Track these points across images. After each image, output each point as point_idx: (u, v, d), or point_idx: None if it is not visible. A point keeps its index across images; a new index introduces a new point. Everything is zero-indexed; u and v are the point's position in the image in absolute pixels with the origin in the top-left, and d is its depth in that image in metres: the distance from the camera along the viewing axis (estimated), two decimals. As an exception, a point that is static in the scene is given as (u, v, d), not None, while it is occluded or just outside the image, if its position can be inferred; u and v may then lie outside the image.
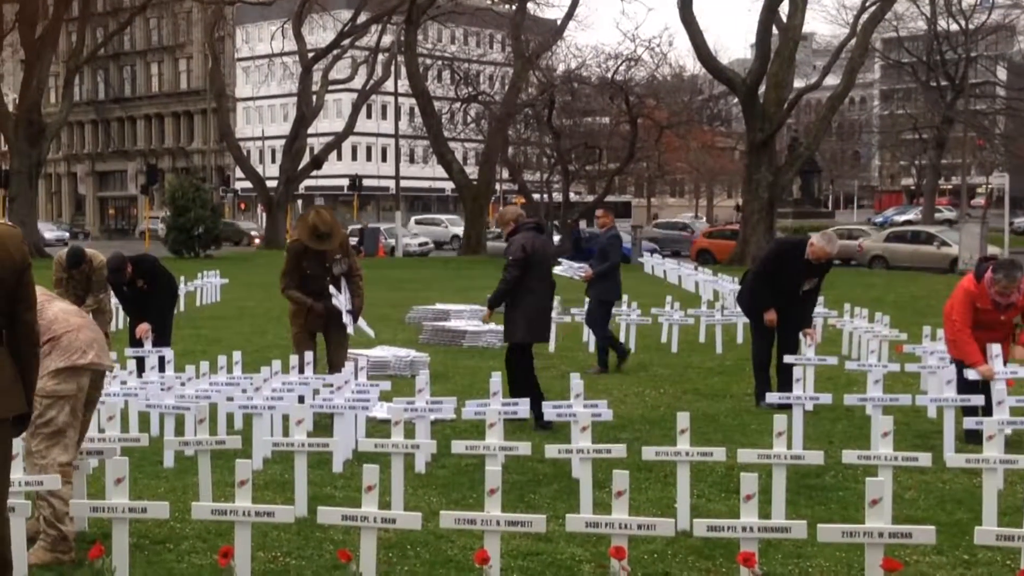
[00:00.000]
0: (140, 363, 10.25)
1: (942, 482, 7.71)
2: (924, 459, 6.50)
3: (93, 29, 53.78)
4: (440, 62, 52.15)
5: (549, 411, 7.95)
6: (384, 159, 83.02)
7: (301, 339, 10.13)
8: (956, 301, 8.97)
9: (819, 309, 15.87)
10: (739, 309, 14.15)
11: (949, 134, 59.37)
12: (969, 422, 7.94)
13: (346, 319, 9.98)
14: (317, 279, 9.93)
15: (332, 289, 9.96)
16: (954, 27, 58.07)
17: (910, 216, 64.16)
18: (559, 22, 47.28)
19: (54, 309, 6.07)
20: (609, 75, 39.58)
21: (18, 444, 5.72)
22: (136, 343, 11.27)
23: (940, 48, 58.28)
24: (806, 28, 42.67)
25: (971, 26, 57.40)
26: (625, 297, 16.40)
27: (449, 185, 60.73)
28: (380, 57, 52.26)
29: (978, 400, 8.37)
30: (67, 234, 63.59)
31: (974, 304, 8.89)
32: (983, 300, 8.88)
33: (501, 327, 10.67)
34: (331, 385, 8.92)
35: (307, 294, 9.95)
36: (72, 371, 5.97)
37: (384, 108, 78.92)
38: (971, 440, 8.56)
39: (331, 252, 9.92)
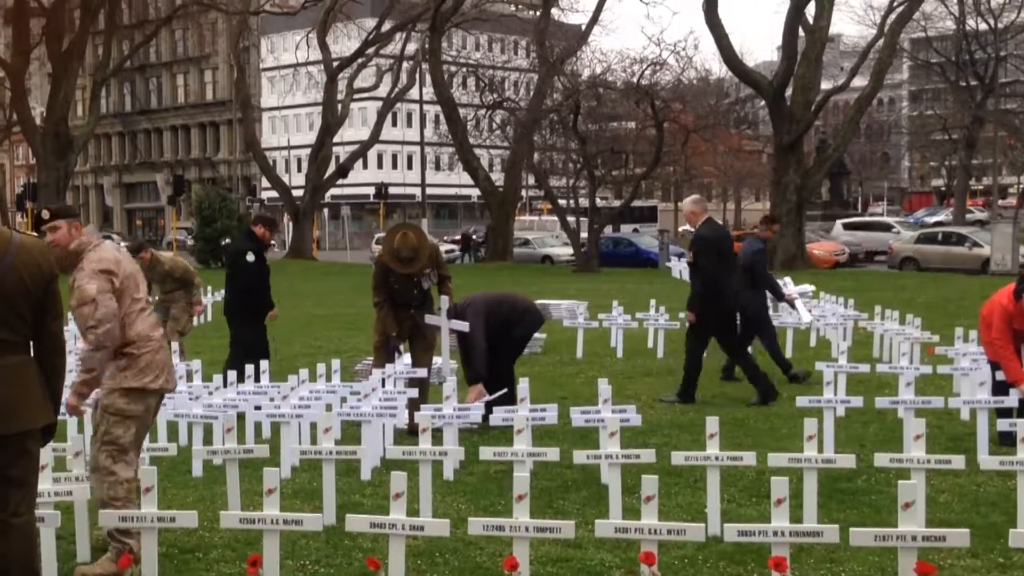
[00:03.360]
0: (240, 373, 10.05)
1: (976, 485, 7.63)
2: (957, 462, 6.44)
3: (119, 42, 54.08)
4: (465, 69, 52.09)
5: (577, 416, 7.91)
6: (410, 167, 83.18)
7: (382, 346, 9.99)
8: (995, 318, 8.82)
9: (849, 311, 15.79)
10: (771, 313, 14.12)
11: (979, 134, 58.89)
12: (1003, 424, 7.85)
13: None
14: (405, 293, 9.88)
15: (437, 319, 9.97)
16: (983, 26, 57.63)
17: (941, 217, 63.67)
18: (584, 27, 47.24)
19: (144, 324, 6.11)
20: (634, 80, 39.46)
21: (47, 454, 5.75)
22: (250, 346, 11.01)
23: (969, 47, 57.85)
24: (833, 29, 42.48)
25: (1000, 25, 56.95)
26: (653, 302, 16.38)
27: (475, 192, 60.75)
28: (405, 65, 52.34)
29: (1012, 402, 8.28)
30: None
31: (1011, 324, 8.76)
32: (1019, 320, 8.75)
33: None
34: (358, 393, 8.92)
35: (396, 306, 9.88)
36: (143, 392, 6.07)
37: (409, 116, 79.07)
38: (1005, 442, 8.47)
39: (418, 269, 9.78)
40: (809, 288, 13.50)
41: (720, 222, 12.91)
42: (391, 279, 9.81)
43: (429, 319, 10.01)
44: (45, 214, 6.09)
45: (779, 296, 12.53)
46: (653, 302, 16.34)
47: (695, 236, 11.21)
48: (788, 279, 13.67)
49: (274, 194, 60.08)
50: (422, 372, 9.73)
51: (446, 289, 10.17)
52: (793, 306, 12.47)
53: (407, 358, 10.16)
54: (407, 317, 9.95)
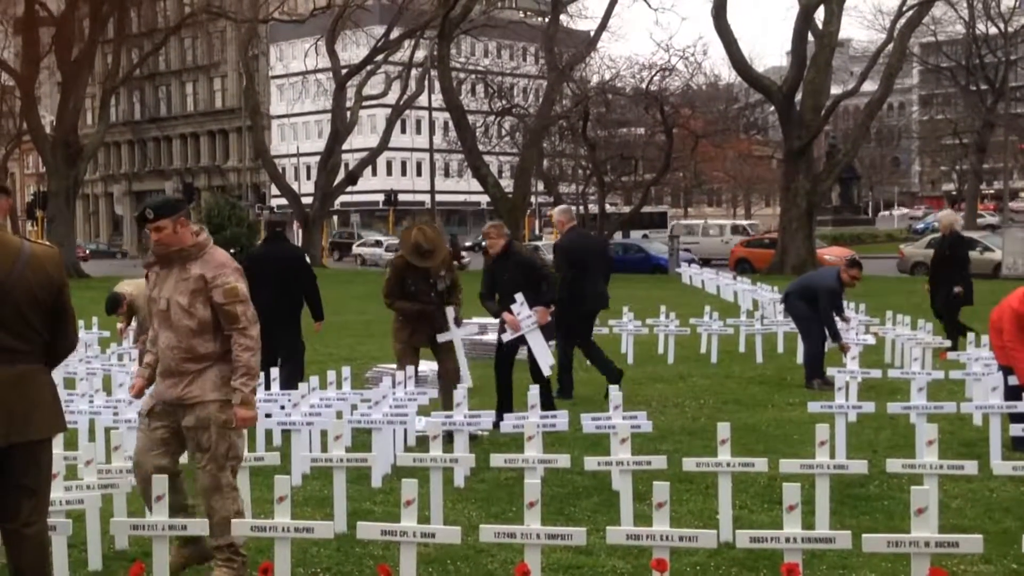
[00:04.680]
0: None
1: (989, 490, 7.60)
2: (970, 467, 6.41)
3: (128, 50, 54.25)
4: (474, 76, 52.25)
5: (588, 423, 7.90)
6: (419, 174, 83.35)
7: (404, 354, 9.98)
8: (1006, 322, 8.79)
9: (860, 316, 15.74)
10: (781, 317, 14.06)
11: (990, 138, 58.83)
12: (1015, 429, 7.83)
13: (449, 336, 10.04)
14: (421, 295, 9.83)
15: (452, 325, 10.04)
16: (993, 30, 57.60)
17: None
18: (592, 33, 47.21)
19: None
20: (644, 85, 39.53)
21: (59, 463, 5.75)
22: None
23: (979, 52, 57.83)
24: (842, 34, 42.41)
25: (1010, 29, 56.89)
26: (663, 308, 16.35)
27: (484, 199, 60.82)
28: (413, 72, 52.44)
29: (1025, 407, 8.24)
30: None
31: (1023, 326, 8.72)
32: None
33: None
34: (369, 400, 8.92)
35: (416, 317, 9.86)
36: None
37: (418, 123, 79.27)
38: (1018, 447, 8.45)
39: (435, 268, 9.79)
40: (872, 341, 13.45)
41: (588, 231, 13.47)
42: (408, 281, 9.80)
43: (441, 338, 9.94)
44: (149, 213, 5.72)
45: (834, 336, 12.36)
46: (663, 308, 16.31)
47: (555, 244, 11.99)
48: (853, 324, 13.52)
49: (283, 201, 60.21)
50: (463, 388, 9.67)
51: (455, 299, 10.15)
52: (844, 353, 12.12)
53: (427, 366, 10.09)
54: (425, 324, 9.91)
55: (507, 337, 10.13)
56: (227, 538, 5.74)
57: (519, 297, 9.99)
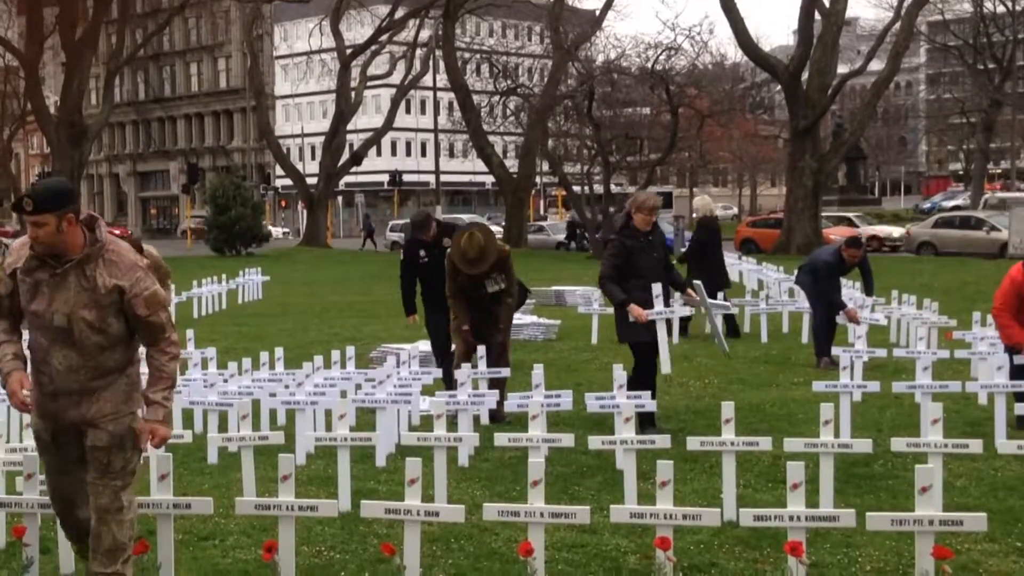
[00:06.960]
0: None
1: (993, 469, 7.59)
2: (975, 446, 6.41)
3: (132, 30, 54.14)
4: (478, 55, 51.94)
5: (592, 402, 7.89)
6: (424, 154, 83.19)
7: (456, 331, 10.01)
8: (1001, 286, 8.81)
9: (866, 297, 15.71)
10: (786, 297, 14.02)
11: (997, 117, 58.63)
12: (1020, 408, 7.82)
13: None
14: (472, 289, 9.83)
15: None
16: (1001, 9, 57.33)
17: (958, 201, 63.37)
18: (598, 12, 47.07)
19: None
20: (649, 65, 39.34)
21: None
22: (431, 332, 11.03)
23: (987, 30, 57.57)
24: (849, 12, 42.25)
25: (1018, 7, 56.61)
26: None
27: (489, 179, 60.78)
28: (418, 52, 52.31)
29: (1030, 385, 8.23)
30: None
31: (1018, 293, 8.69)
32: None
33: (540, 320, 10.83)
34: (373, 380, 8.92)
35: (463, 300, 9.87)
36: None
37: (423, 103, 79.05)
38: (1023, 426, 8.43)
39: (483, 271, 9.71)
40: (883, 321, 13.40)
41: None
42: (459, 276, 9.81)
43: (461, 374, 9.13)
44: (27, 204, 4.64)
45: (838, 305, 12.24)
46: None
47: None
48: (869, 301, 13.49)
49: (288, 182, 60.19)
50: (505, 371, 9.59)
51: (506, 309, 9.90)
52: (851, 321, 11.90)
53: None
54: (478, 310, 9.85)
55: (684, 309, 9.95)
56: (114, 567, 4.99)
57: (658, 288, 8.74)
